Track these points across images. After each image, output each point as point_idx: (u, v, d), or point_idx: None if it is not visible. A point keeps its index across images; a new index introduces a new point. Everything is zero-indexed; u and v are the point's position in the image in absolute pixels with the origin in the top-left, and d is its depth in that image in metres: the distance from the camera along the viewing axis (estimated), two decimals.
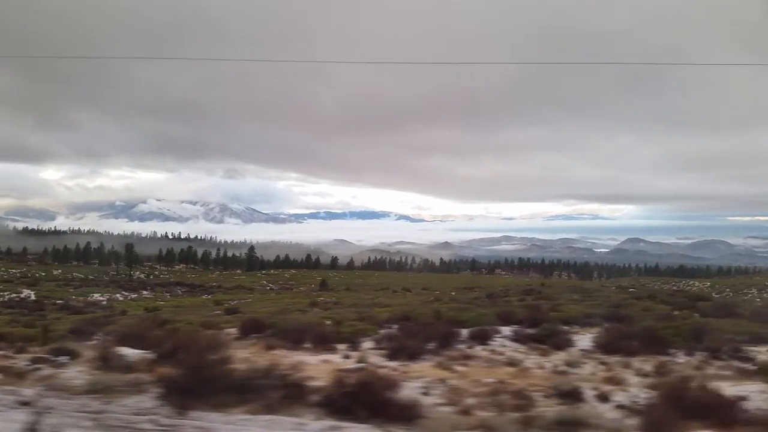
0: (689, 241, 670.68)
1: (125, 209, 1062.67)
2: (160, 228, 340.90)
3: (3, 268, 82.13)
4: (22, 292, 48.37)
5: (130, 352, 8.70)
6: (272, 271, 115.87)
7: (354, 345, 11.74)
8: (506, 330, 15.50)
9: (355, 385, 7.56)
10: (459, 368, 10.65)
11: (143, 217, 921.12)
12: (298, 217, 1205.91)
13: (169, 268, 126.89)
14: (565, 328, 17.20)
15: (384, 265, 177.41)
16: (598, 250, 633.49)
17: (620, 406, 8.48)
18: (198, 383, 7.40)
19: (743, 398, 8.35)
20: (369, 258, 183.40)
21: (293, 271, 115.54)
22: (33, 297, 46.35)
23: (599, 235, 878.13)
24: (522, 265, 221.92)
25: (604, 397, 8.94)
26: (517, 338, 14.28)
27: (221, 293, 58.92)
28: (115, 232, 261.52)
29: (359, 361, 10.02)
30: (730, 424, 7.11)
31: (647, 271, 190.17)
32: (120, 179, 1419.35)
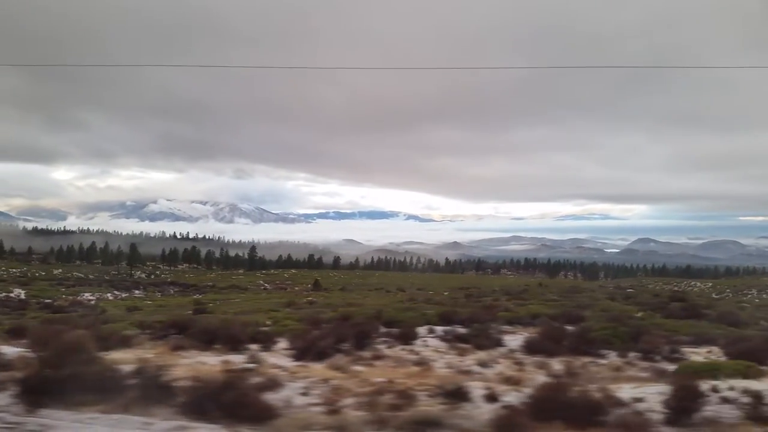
0: (700, 242, 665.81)
1: (136, 209, 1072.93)
2: (171, 228, 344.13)
3: (3, 268, 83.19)
4: (12, 291, 48.88)
5: (10, 351, 8.80)
6: (273, 271, 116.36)
7: (267, 345, 11.78)
8: (440, 330, 15.52)
9: (218, 385, 7.62)
10: (359, 368, 10.66)
11: (154, 217, 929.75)
12: (307, 217, 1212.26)
13: (172, 268, 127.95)
14: (507, 327, 17.21)
15: (389, 266, 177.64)
16: (609, 251, 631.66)
17: (506, 407, 8.42)
18: (55, 381, 7.50)
19: (639, 400, 8.27)
20: (372, 258, 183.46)
21: (294, 271, 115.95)
22: (22, 296, 46.83)
23: (610, 235, 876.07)
24: (528, 266, 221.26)
25: (493, 397, 8.88)
26: (445, 338, 14.27)
27: (212, 293, 59.23)
28: (124, 232, 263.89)
29: (253, 362, 10.06)
30: (589, 426, 7.06)
31: (655, 271, 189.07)
32: (130, 179, 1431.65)
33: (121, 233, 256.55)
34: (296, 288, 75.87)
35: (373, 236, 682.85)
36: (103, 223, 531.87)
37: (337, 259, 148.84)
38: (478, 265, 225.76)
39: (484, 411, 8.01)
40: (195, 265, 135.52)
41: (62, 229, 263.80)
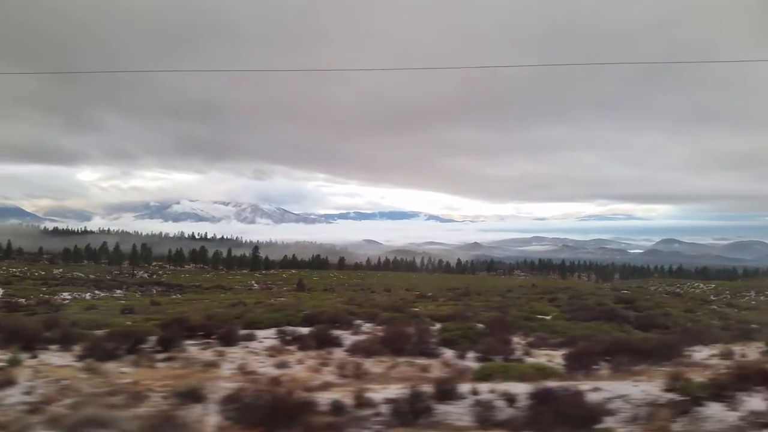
0: (726, 242, 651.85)
1: (160, 210, 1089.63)
2: (194, 228, 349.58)
3: (4, 267, 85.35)
4: None
5: None
6: (273, 271, 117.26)
7: (66, 346, 11.93)
8: (291, 329, 15.57)
9: None
10: (127, 369, 10.76)
11: (177, 218, 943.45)
12: (328, 218, 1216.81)
13: (178, 268, 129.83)
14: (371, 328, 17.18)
15: (400, 266, 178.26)
16: (632, 251, 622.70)
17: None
18: None
19: (392, 401, 8.20)
20: (380, 259, 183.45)
21: (294, 271, 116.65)
22: None
23: (633, 235, 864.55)
24: (543, 266, 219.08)
25: (234, 399, 8.88)
26: (284, 339, 14.32)
27: (193, 293, 60.00)
28: (145, 233, 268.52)
29: (10, 361, 10.23)
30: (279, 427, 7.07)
31: (672, 273, 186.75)
32: (154, 180, 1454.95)
33: (141, 233, 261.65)
34: (284, 288, 76.33)
35: (393, 236, 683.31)
36: (127, 223, 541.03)
37: (342, 260, 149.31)
38: (491, 266, 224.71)
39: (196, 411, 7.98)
40: (201, 265, 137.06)
41: (82, 229, 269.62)
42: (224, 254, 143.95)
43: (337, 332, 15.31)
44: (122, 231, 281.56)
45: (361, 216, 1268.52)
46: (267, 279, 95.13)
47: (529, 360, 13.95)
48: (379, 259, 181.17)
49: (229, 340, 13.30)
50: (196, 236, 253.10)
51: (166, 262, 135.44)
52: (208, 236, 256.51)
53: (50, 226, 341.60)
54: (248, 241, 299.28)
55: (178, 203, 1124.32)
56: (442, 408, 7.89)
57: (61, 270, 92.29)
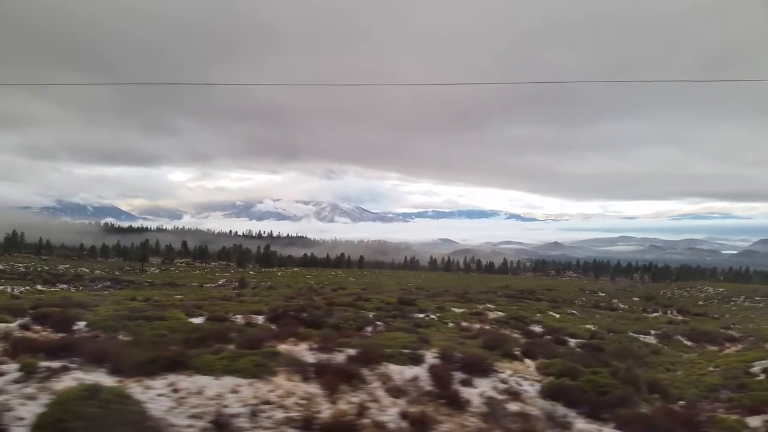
0: None
1: (245, 209, 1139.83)
2: (277, 227, 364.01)
3: (11, 263, 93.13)
4: None
5: None
6: (272, 269, 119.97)
7: None
8: None
9: None
10: None
11: (261, 216, 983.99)
12: (405, 216, 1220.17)
13: (204, 265, 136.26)
14: None
15: (436, 265, 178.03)
16: (726, 252, 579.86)
17: None
18: None
19: None
20: (410, 258, 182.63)
21: (295, 269, 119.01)
22: None
23: (730, 235, 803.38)
24: (597, 268, 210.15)
25: None
26: None
27: (130, 289, 63.06)
28: (217, 231, 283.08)
29: None
30: None
31: (731, 274, 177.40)
32: (238, 181, 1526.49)
33: (214, 231, 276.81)
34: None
35: (470, 236, 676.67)
36: (202, 222, 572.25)
37: (361, 258, 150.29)
38: (536, 267, 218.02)
39: None
40: (226, 263, 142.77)
41: (156, 228, 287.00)
42: (250, 252, 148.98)
43: None
44: (195, 229, 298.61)
45: (438, 215, 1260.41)
46: (251, 277, 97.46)
47: None
48: (409, 258, 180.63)
49: None
50: (263, 234, 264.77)
51: (193, 260, 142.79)
52: (271, 235, 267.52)
53: (103, 222, 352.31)
54: (314, 239, 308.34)
55: (261, 203, 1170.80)
56: None
57: (67, 266, 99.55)
